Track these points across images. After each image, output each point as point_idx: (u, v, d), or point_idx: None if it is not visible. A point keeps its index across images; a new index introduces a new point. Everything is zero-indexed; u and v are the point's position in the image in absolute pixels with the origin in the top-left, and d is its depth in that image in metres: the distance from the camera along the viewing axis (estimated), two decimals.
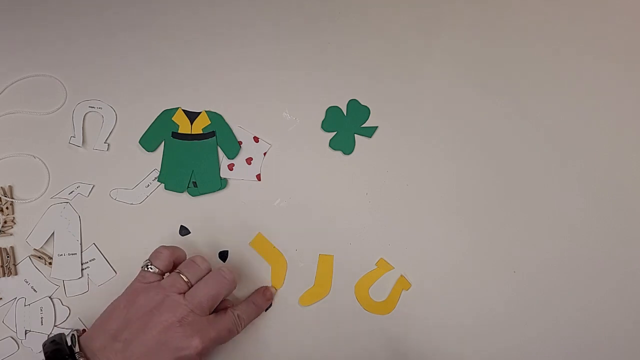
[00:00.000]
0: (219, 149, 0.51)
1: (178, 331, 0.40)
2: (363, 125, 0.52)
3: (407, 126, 0.52)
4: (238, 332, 0.45)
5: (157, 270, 0.43)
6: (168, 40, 0.53)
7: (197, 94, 0.52)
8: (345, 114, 0.52)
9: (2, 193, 0.49)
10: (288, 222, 0.50)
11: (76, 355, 0.39)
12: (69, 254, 0.49)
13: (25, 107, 0.51)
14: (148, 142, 0.51)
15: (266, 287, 0.49)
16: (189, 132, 0.51)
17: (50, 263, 0.49)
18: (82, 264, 0.49)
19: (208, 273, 0.44)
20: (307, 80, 0.52)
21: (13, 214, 0.49)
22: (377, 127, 0.52)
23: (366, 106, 0.52)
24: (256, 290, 0.48)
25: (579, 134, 0.52)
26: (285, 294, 0.49)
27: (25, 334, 0.48)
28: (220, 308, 0.44)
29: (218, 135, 0.51)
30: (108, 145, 0.51)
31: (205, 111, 0.51)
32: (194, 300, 0.41)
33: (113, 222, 0.50)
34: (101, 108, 0.51)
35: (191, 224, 0.50)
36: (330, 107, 0.52)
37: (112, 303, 0.42)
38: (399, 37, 0.53)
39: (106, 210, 0.50)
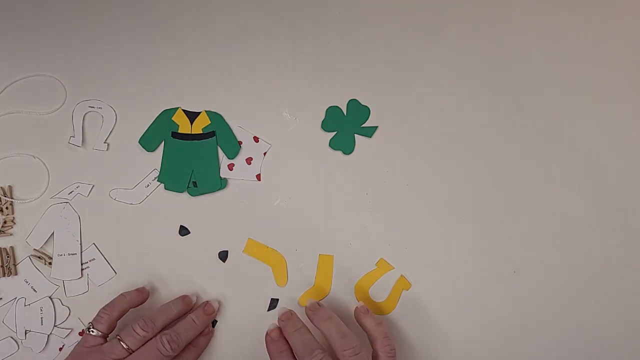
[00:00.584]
0: (219, 149, 0.51)
1: None
2: (363, 125, 0.52)
3: (407, 126, 0.52)
4: (171, 351, 0.43)
5: (98, 333, 0.44)
6: (168, 40, 0.53)
7: (197, 94, 0.52)
8: (345, 114, 0.52)
9: (2, 193, 0.49)
10: (288, 222, 0.50)
11: None
12: (68, 254, 0.49)
13: (25, 107, 0.51)
14: (148, 142, 0.51)
15: (206, 302, 0.48)
16: (189, 132, 0.51)
17: (50, 263, 0.49)
18: (82, 264, 0.49)
19: (149, 340, 0.43)
20: (307, 80, 0.52)
21: (13, 214, 0.49)
22: (377, 127, 0.52)
23: (366, 106, 0.52)
24: (198, 306, 0.48)
25: (579, 134, 0.52)
26: (285, 294, 0.49)
27: (25, 334, 0.48)
28: None
29: (218, 135, 0.51)
30: (108, 145, 0.51)
31: (205, 111, 0.51)
32: None
33: (113, 222, 0.50)
34: (101, 108, 0.51)
35: (191, 224, 0.50)
36: (330, 107, 0.52)
37: None
38: (399, 37, 0.53)
39: (106, 210, 0.50)
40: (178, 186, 0.50)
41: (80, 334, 0.48)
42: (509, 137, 0.52)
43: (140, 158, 0.51)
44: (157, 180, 0.50)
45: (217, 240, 0.50)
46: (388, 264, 0.50)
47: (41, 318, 0.48)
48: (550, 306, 0.50)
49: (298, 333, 0.44)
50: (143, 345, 0.43)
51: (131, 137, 0.51)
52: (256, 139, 0.51)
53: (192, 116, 0.51)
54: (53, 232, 0.49)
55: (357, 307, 0.47)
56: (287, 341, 0.45)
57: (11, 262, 0.49)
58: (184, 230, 0.50)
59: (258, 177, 0.51)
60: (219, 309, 0.48)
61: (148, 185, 0.50)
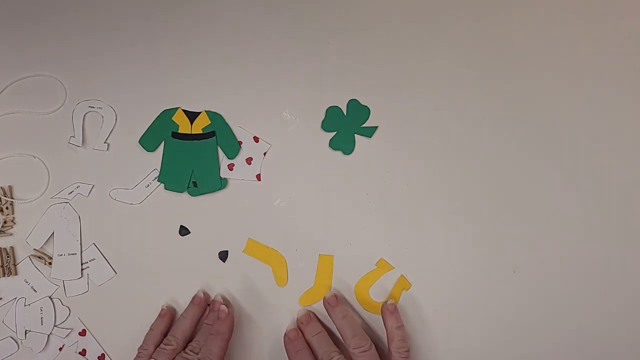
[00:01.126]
0: (219, 149, 0.51)
1: None
2: (363, 125, 0.52)
3: (407, 126, 0.52)
4: (194, 354, 0.45)
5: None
6: (168, 40, 0.53)
7: (197, 94, 0.52)
8: (345, 114, 0.52)
9: (2, 193, 0.49)
10: (288, 222, 0.50)
11: None
12: (68, 254, 0.49)
13: (25, 107, 0.51)
14: (148, 142, 0.51)
15: (220, 310, 0.47)
16: (189, 132, 0.51)
17: (50, 263, 0.49)
18: (82, 264, 0.49)
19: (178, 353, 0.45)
20: (307, 80, 0.52)
21: (13, 214, 0.49)
22: (377, 127, 0.52)
23: (366, 106, 0.52)
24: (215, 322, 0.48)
25: (579, 134, 0.52)
26: (285, 294, 0.49)
27: (25, 334, 0.48)
28: None
29: (218, 135, 0.51)
30: (108, 145, 0.51)
31: (205, 111, 0.51)
32: None
33: (113, 222, 0.50)
34: (101, 108, 0.51)
35: (191, 224, 0.50)
36: (330, 107, 0.52)
37: None
38: (399, 37, 0.53)
39: (106, 210, 0.50)
40: (178, 186, 0.50)
41: (81, 334, 0.48)
42: (509, 137, 0.52)
43: (140, 158, 0.51)
44: (157, 180, 0.50)
45: (217, 240, 0.50)
46: (388, 264, 0.50)
47: (41, 318, 0.48)
48: (550, 306, 0.50)
49: (317, 337, 0.46)
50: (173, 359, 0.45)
51: (131, 137, 0.51)
52: (256, 139, 0.51)
53: (192, 116, 0.51)
54: (53, 232, 0.49)
55: (385, 302, 0.48)
56: (304, 340, 0.47)
57: (11, 262, 0.49)
58: (184, 230, 0.50)
59: (258, 177, 0.51)
60: (222, 298, 0.49)
61: (148, 185, 0.50)
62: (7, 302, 0.48)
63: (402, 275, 0.50)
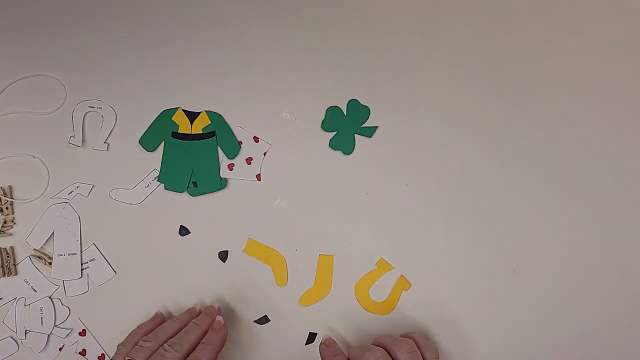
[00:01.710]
0: (219, 149, 0.51)
1: None
2: (363, 125, 0.52)
3: (407, 126, 0.52)
4: (174, 351, 0.42)
5: None
6: (168, 40, 0.53)
7: (197, 94, 0.52)
8: (345, 114, 0.52)
9: (2, 193, 0.49)
10: (288, 222, 0.50)
11: None
12: (68, 254, 0.49)
13: (25, 107, 0.51)
14: (148, 142, 0.51)
15: (208, 305, 0.47)
16: (189, 132, 0.51)
17: (50, 263, 0.49)
18: (82, 264, 0.49)
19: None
20: (307, 80, 0.52)
21: (13, 214, 0.49)
22: (377, 127, 0.52)
23: (366, 106, 0.52)
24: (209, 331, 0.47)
25: (580, 133, 0.52)
26: (285, 294, 0.49)
27: (25, 334, 0.48)
28: None
29: (218, 135, 0.51)
30: (108, 145, 0.51)
31: (205, 111, 0.51)
32: None
33: (113, 222, 0.50)
34: (101, 108, 0.51)
35: (191, 224, 0.50)
36: (330, 107, 0.52)
37: None
38: (399, 36, 0.53)
39: (106, 210, 0.50)
40: (178, 186, 0.50)
41: (81, 334, 0.48)
42: (509, 136, 0.52)
43: (140, 158, 0.51)
44: (157, 180, 0.50)
45: (217, 240, 0.50)
46: (388, 264, 0.50)
47: (41, 318, 0.48)
48: (550, 306, 0.50)
49: (337, 358, 0.45)
50: (150, 356, 0.42)
51: (131, 137, 0.51)
52: (256, 139, 0.51)
53: (192, 116, 0.51)
54: (53, 232, 0.49)
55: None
56: (339, 347, 0.46)
57: (11, 262, 0.49)
58: (184, 230, 0.50)
59: (258, 177, 0.51)
60: (219, 309, 0.48)
61: (148, 185, 0.50)
62: (7, 302, 0.48)
63: (402, 275, 0.50)
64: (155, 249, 0.50)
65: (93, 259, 0.49)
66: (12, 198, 0.49)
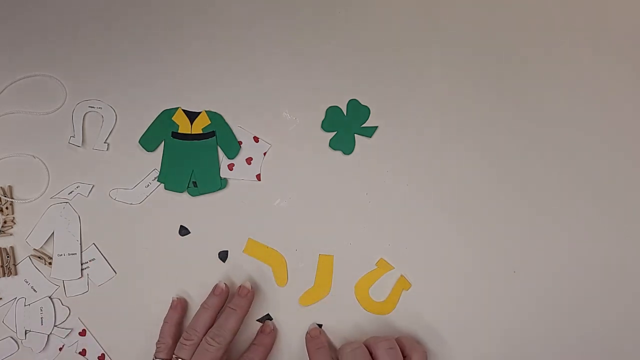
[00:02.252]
0: (219, 149, 0.51)
1: None
2: (363, 125, 0.52)
3: (407, 126, 0.52)
4: (217, 344, 0.44)
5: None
6: (168, 40, 0.53)
7: (197, 94, 0.52)
8: (345, 114, 0.52)
9: (2, 193, 0.49)
10: (288, 222, 0.50)
11: None
12: (68, 254, 0.49)
13: (25, 107, 0.51)
14: (148, 142, 0.51)
15: (239, 286, 0.48)
16: (189, 132, 0.51)
17: (50, 263, 0.49)
18: (82, 264, 0.49)
19: (200, 342, 0.44)
20: (307, 80, 0.52)
21: (13, 214, 0.49)
22: (377, 127, 0.52)
23: (366, 106, 0.52)
24: (258, 332, 0.48)
25: (580, 133, 0.52)
26: (285, 294, 0.49)
27: (25, 334, 0.48)
28: None
29: (218, 135, 0.51)
30: (108, 145, 0.51)
31: (205, 111, 0.51)
32: None
33: (113, 222, 0.50)
34: (101, 108, 0.51)
35: (191, 224, 0.50)
36: (330, 107, 0.52)
37: None
38: (399, 36, 0.53)
39: (106, 210, 0.50)
40: (178, 186, 0.50)
41: (81, 334, 0.48)
42: (509, 137, 0.52)
43: (140, 158, 0.51)
44: (157, 180, 0.50)
45: (217, 240, 0.50)
46: (388, 264, 0.50)
47: (41, 318, 0.48)
48: (550, 306, 0.50)
49: (319, 351, 0.46)
50: (194, 352, 0.44)
51: (131, 137, 0.51)
52: (256, 139, 0.51)
53: (192, 116, 0.51)
54: (53, 232, 0.49)
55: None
56: (325, 339, 0.47)
57: (11, 262, 0.49)
58: (184, 230, 0.50)
59: (258, 177, 0.51)
60: (252, 287, 0.48)
61: (148, 185, 0.50)
62: (7, 302, 0.48)
63: (402, 275, 0.50)
64: (155, 249, 0.50)
65: (93, 259, 0.49)
66: (12, 198, 0.49)
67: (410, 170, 0.51)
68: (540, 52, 0.54)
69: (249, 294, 0.47)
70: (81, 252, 0.49)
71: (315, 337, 0.47)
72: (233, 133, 0.51)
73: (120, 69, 0.52)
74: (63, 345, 0.48)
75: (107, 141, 0.51)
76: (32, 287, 0.48)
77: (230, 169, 0.51)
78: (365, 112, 0.52)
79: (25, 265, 0.49)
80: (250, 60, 0.53)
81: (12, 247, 0.49)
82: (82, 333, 0.48)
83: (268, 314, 0.49)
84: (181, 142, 0.51)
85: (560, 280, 0.50)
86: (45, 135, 0.50)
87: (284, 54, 0.53)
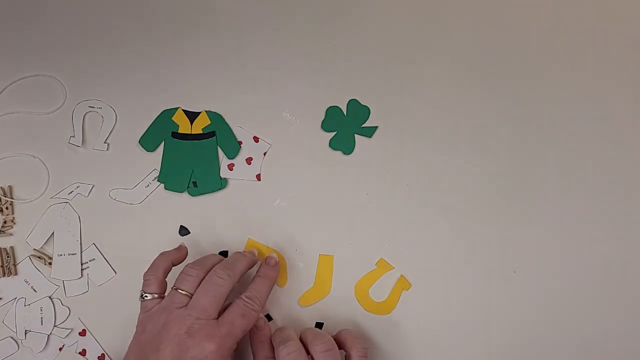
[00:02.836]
0: (219, 149, 0.51)
1: (188, 342, 0.40)
2: (363, 125, 0.52)
3: (407, 126, 0.52)
4: (257, 311, 0.43)
5: (153, 295, 0.43)
6: (168, 40, 0.53)
7: (197, 94, 0.52)
8: (345, 114, 0.52)
9: (2, 193, 0.49)
10: (288, 222, 0.50)
11: None
12: (68, 254, 0.49)
13: (25, 107, 0.51)
14: (148, 142, 0.51)
15: (268, 257, 0.47)
16: (189, 132, 0.51)
17: (50, 263, 0.49)
18: (82, 264, 0.49)
19: (205, 276, 0.43)
20: (307, 80, 0.52)
21: (13, 214, 0.49)
22: (377, 127, 0.52)
23: (366, 106, 0.52)
24: (260, 265, 0.47)
25: (580, 133, 0.52)
26: (285, 294, 0.49)
27: (25, 334, 0.48)
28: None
29: (218, 135, 0.51)
30: (108, 145, 0.51)
31: (205, 111, 0.51)
32: (197, 308, 0.41)
33: (113, 222, 0.50)
34: (101, 108, 0.51)
35: (191, 224, 0.50)
36: (330, 107, 0.52)
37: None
38: (399, 36, 0.53)
39: (106, 210, 0.50)
40: (178, 186, 0.50)
41: (81, 334, 0.48)
42: (509, 137, 0.52)
43: (140, 158, 0.51)
44: (157, 180, 0.50)
45: (217, 240, 0.50)
46: (388, 264, 0.50)
47: (41, 318, 0.48)
48: (550, 306, 0.50)
49: (262, 345, 0.44)
50: (199, 284, 0.42)
51: (131, 137, 0.51)
52: (256, 139, 0.51)
53: (192, 116, 0.51)
54: (53, 232, 0.49)
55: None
56: (269, 333, 0.45)
57: (11, 262, 0.49)
58: (184, 230, 0.50)
59: (258, 177, 0.51)
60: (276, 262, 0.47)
61: (148, 185, 0.50)
62: (7, 302, 0.48)
63: (402, 275, 0.50)
64: (156, 249, 0.49)
65: (93, 259, 0.49)
66: (12, 198, 0.49)
67: (410, 170, 0.51)
68: (542, 52, 0.54)
69: (276, 265, 0.46)
70: (81, 252, 0.49)
71: (260, 328, 0.44)
72: (233, 133, 0.51)
73: (120, 69, 0.52)
74: (63, 345, 0.48)
75: (107, 141, 0.51)
76: (32, 287, 0.48)
77: (230, 169, 0.51)
78: (365, 112, 0.52)
79: (25, 265, 0.49)
80: (250, 60, 0.53)
81: (12, 247, 0.49)
82: (82, 333, 0.48)
83: (268, 314, 0.49)
84: (181, 142, 0.51)
85: (560, 280, 0.50)
86: (45, 135, 0.51)
87: (284, 54, 0.53)
